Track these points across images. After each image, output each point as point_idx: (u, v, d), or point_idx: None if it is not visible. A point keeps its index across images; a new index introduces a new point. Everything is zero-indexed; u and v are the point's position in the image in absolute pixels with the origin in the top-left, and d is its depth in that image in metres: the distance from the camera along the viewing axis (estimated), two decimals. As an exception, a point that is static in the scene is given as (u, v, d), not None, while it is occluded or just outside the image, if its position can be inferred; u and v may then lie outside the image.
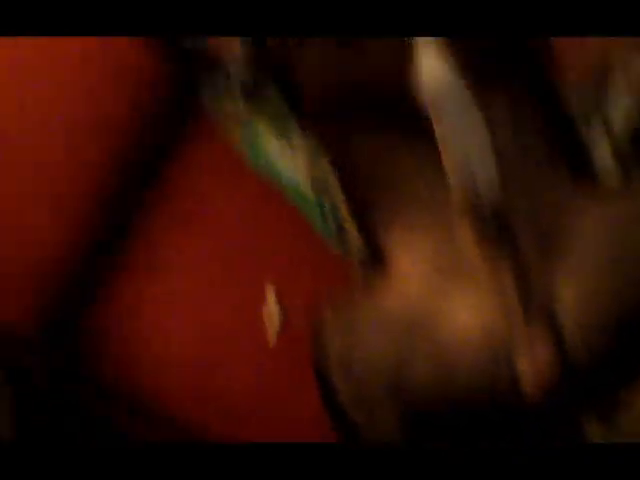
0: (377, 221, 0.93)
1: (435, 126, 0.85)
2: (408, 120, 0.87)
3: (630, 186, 0.92)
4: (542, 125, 0.91)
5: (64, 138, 0.97)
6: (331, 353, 0.91)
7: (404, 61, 0.85)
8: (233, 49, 0.99)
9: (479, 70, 0.88)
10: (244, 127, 1.05)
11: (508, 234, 0.88)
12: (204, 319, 1.03)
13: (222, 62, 1.01)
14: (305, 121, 1.02)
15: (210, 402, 1.02)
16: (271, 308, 1.02)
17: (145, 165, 1.04)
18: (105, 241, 1.02)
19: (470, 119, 0.85)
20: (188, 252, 1.04)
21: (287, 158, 1.04)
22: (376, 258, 0.95)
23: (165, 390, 1.03)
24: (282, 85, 1.02)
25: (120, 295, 1.04)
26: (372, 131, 0.92)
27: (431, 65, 0.85)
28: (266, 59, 0.99)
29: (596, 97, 0.98)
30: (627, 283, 0.87)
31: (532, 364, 0.86)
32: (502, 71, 0.90)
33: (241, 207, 1.05)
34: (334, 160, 0.99)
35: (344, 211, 1.01)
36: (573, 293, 0.87)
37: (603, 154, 0.96)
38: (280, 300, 1.02)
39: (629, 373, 0.91)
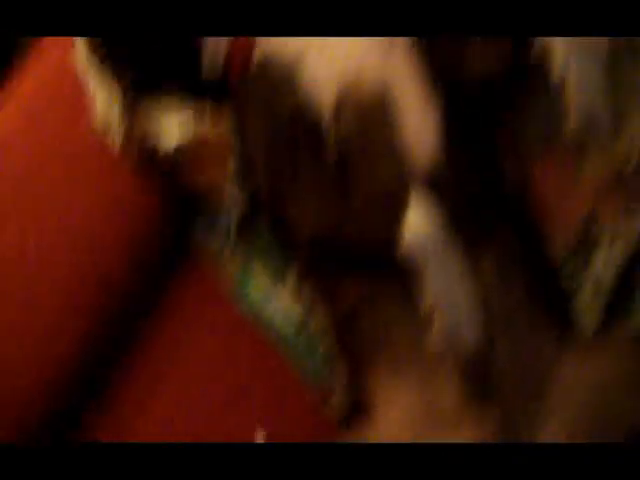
0: (363, 365, 0.95)
1: (420, 278, 0.87)
2: (395, 270, 0.90)
3: (611, 340, 0.94)
4: (527, 278, 0.94)
5: (63, 259, 1.00)
6: None
7: (393, 213, 0.88)
8: (228, 190, 1.02)
9: (466, 225, 0.91)
10: (233, 267, 1.08)
11: (491, 385, 0.90)
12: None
13: (216, 201, 1.04)
14: (295, 262, 1.04)
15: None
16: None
17: (134, 297, 1.06)
18: (88, 374, 1.04)
19: (455, 272, 0.88)
20: (175, 384, 1.06)
21: (275, 297, 1.06)
22: (360, 402, 0.96)
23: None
24: (274, 227, 1.04)
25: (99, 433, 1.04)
26: (361, 277, 0.94)
27: (418, 219, 0.87)
28: (259, 202, 1.02)
29: (582, 254, 1.01)
30: (607, 435, 0.89)
31: None
32: (490, 226, 0.93)
33: (228, 344, 1.07)
34: (323, 303, 1.01)
35: (329, 356, 1.03)
36: (555, 441, 0.89)
37: (586, 308, 0.99)
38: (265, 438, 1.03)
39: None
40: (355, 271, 0.95)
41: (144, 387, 1.06)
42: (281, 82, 0.94)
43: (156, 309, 1.08)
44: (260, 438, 1.03)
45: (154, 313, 1.08)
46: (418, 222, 0.87)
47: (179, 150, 1.00)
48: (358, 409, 0.96)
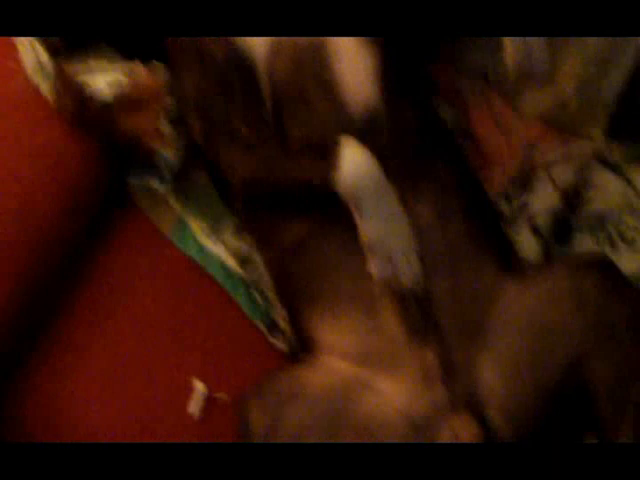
0: (304, 306, 0.95)
1: (357, 219, 0.87)
2: (332, 213, 0.90)
3: (551, 267, 0.95)
4: (467, 214, 0.94)
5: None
6: (255, 435, 0.91)
7: (328, 155, 0.87)
8: (162, 135, 1.01)
9: (403, 164, 0.91)
10: (172, 211, 1.07)
11: (431, 319, 0.90)
12: (129, 398, 1.02)
13: (151, 147, 1.02)
14: (234, 207, 1.03)
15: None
16: (197, 386, 1.02)
17: (71, 245, 1.04)
18: (27, 320, 1.01)
19: (391, 209, 0.87)
20: (115, 331, 1.04)
21: (216, 242, 1.05)
22: (302, 341, 0.97)
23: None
24: (209, 171, 1.03)
25: (40, 377, 1.02)
26: (298, 220, 0.94)
27: (353, 160, 0.87)
28: (194, 147, 1.01)
29: (520, 191, 1.02)
30: (547, 363, 0.90)
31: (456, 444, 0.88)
32: (427, 166, 0.93)
33: (169, 288, 1.05)
34: (262, 246, 1.00)
35: (272, 296, 1.02)
36: (495, 374, 0.90)
37: (525, 241, 0.99)
38: (206, 379, 1.02)
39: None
40: (293, 212, 0.94)
41: (88, 328, 1.04)
42: None
43: (98, 251, 1.06)
44: (199, 387, 1.03)
45: (96, 255, 1.06)
46: (353, 163, 0.86)
47: (112, 101, 0.98)
48: (302, 346, 0.96)
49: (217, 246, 1.05)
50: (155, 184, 1.05)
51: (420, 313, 0.90)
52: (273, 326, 1.03)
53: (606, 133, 1.04)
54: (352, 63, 0.92)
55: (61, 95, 1.00)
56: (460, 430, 0.88)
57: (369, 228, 0.86)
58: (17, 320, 0.99)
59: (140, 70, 0.99)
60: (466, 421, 0.88)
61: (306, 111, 0.92)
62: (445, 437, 0.88)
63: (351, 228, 0.87)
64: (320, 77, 0.92)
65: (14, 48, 1.00)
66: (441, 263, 0.92)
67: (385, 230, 0.87)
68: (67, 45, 0.99)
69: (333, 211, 0.89)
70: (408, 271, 0.88)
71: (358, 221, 0.87)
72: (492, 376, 0.90)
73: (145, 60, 1.00)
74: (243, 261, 1.04)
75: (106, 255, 1.06)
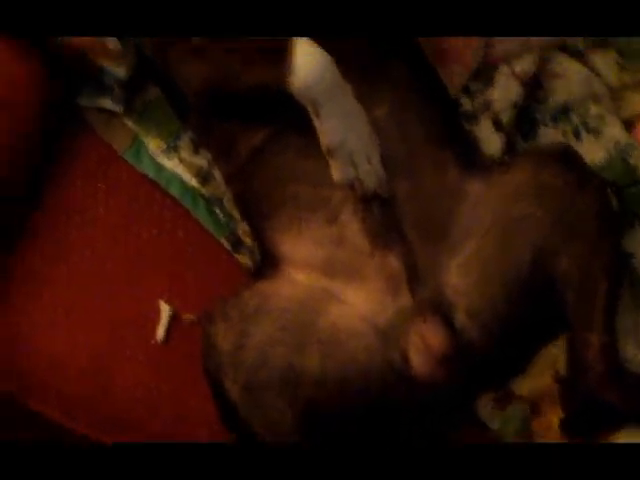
0: (266, 219, 0.92)
1: (315, 122, 0.83)
2: (290, 119, 0.86)
3: (512, 164, 0.92)
4: (426, 113, 0.91)
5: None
6: (222, 352, 0.89)
7: (282, 59, 0.83)
8: (108, 50, 0.97)
9: (362, 67, 0.87)
10: (127, 130, 1.03)
11: (394, 224, 0.88)
12: (94, 324, 1.00)
13: (97, 64, 0.99)
14: (190, 122, 1.00)
15: (103, 409, 1.00)
16: (164, 308, 1.00)
17: (25, 171, 1.01)
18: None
19: (351, 111, 0.84)
20: (75, 259, 1.02)
21: (174, 160, 1.02)
22: (266, 255, 0.94)
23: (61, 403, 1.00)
24: (165, 87, 1.00)
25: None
26: (255, 129, 0.91)
27: (308, 61, 0.83)
28: (145, 60, 0.97)
29: (481, 85, 0.98)
30: (513, 261, 0.87)
31: (423, 348, 0.86)
32: (384, 64, 0.90)
33: (128, 210, 1.03)
34: (220, 160, 0.97)
35: (234, 212, 1.00)
36: (462, 276, 0.88)
37: (488, 138, 0.96)
38: (172, 301, 1.00)
39: (519, 358, 0.92)
40: (249, 121, 0.91)
41: (47, 257, 1.02)
42: None
43: (53, 176, 1.03)
44: (165, 309, 1.01)
45: (52, 180, 1.03)
46: (307, 64, 0.83)
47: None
48: (267, 260, 0.93)
49: (175, 164, 1.01)
50: (107, 104, 1.02)
51: (383, 218, 0.88)
52: (237, 242, 1.00)
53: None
54: None
55: None
56: (427, 335, 0.86)
57: (328, 130, 0.83)
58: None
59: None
60: (433, 325, 0.87)
61: None
62: (413, 343, 0.86)
63: (310, 133, 0.84)
64: None
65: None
66: (401, 165, 0.89)
67: (345, 131, 0.84)
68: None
69: (291, 117, 0.86)
70: (371, 173, 0.85)
71: (317, 124, 0.83)
72: (458, 278, 0.88)
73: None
74: (204, 178, 1.01)
75: (62, 180, 1.03)
